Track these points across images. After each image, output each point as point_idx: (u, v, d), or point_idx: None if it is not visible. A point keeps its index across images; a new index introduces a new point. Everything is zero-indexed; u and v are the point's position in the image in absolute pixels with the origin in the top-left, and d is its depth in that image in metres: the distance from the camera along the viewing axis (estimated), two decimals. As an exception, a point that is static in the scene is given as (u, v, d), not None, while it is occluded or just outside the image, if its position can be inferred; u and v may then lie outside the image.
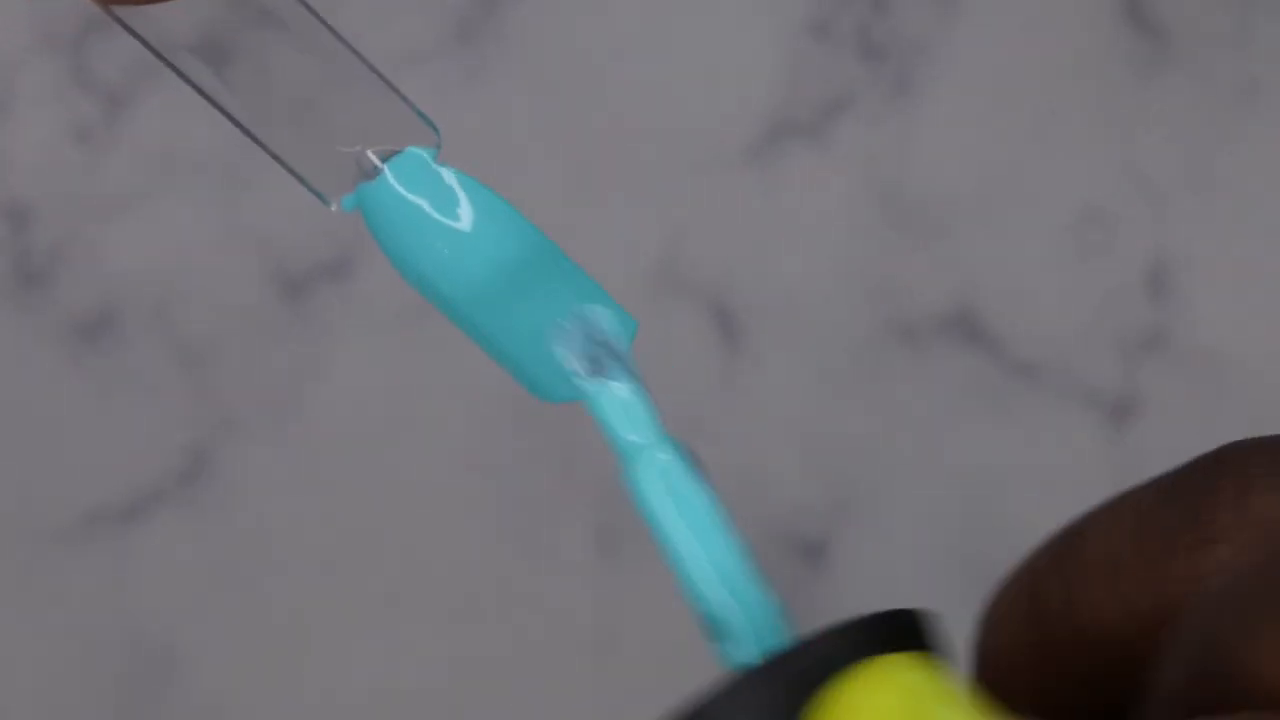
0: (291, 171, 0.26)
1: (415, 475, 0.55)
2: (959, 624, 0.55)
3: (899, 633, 0.21)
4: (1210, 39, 0.57)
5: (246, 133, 0.26)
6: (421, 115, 0.27)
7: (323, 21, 0.27)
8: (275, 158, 0.26)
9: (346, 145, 0.25)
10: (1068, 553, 0.20)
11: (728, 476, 0.55)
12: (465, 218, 0.25)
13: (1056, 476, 0.55)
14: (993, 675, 0.21)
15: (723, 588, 0.23)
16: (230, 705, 0.54)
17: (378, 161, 0.25)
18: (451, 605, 0.55)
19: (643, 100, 0.56)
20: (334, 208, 0.25)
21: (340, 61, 0.27)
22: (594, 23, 0.57)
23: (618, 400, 0.25)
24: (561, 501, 0.55)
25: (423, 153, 0.25)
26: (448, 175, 0.25)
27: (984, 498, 0.55)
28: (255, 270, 0.56)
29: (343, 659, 0.55)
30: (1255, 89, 0.56)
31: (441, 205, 0.25)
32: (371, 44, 0.56)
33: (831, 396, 0.55)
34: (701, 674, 0.56)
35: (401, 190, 0.25)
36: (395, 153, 0.25)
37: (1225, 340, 0.55)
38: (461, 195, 0.25)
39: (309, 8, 0.27)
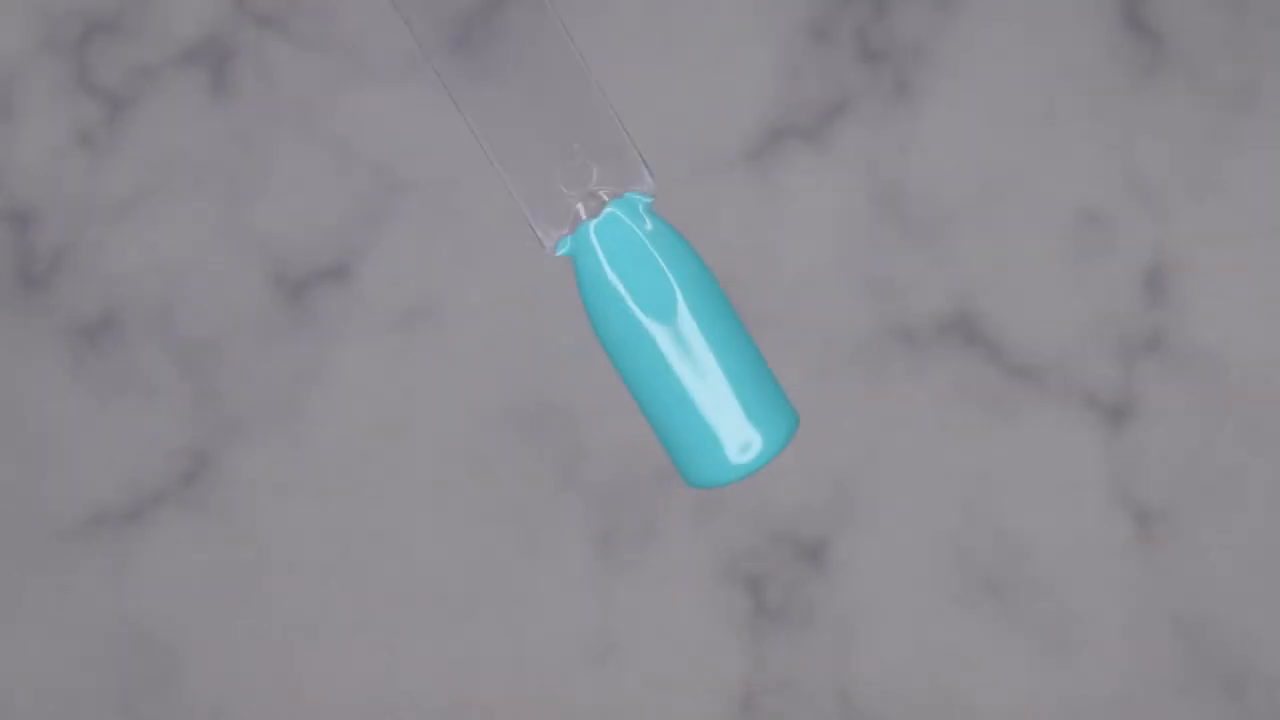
0: (516, 199, 0.26)
1: (415, 476, 0.55)
2: (956, 624, 0.55)
3: None
4: (1207, 42, 0.57)
5: (482, 147, 0.26)
6: (642, 159, 0.26)
7: (571, 45, 0.26)
8: (504, 183, 0.26)
9: (570, 177, 0.25)
10: None
11: (727, 477, 0.55)
12: (665, 274, 0.24)
13: (1055, 478, 0.55)
14: None
15: None
16: (231, 705, 0.54)
17: (596, 203, 0.25)
18: (451, 605, 0.55)
19: (642, 102, 0.56)
20: (549, 251, 0.25)
21: (576, 86, 0.27)
22: (593, 24, 0.57)
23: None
24: (561, 503, 0.55)
25: (639, 200, 0.25)
26: (657, 225, 0.25)
27: (983, 498, 0.55)
28: (256, 272, 0.56)
29: (343, 659, 0.54)
30: (1253, 91, 0.56)
31: (645, 258, 0.24)
32: (372, 44, 0.56)
33: (831, 397, 0.55)
34: (699, 674, 0.56)
35: (612, 238, 0.24)
36: (614, 196, 0.25)
37: (1223, 342, 0.55)
38: (665, 246, 0.24)
39: (564, 29, 0.27)
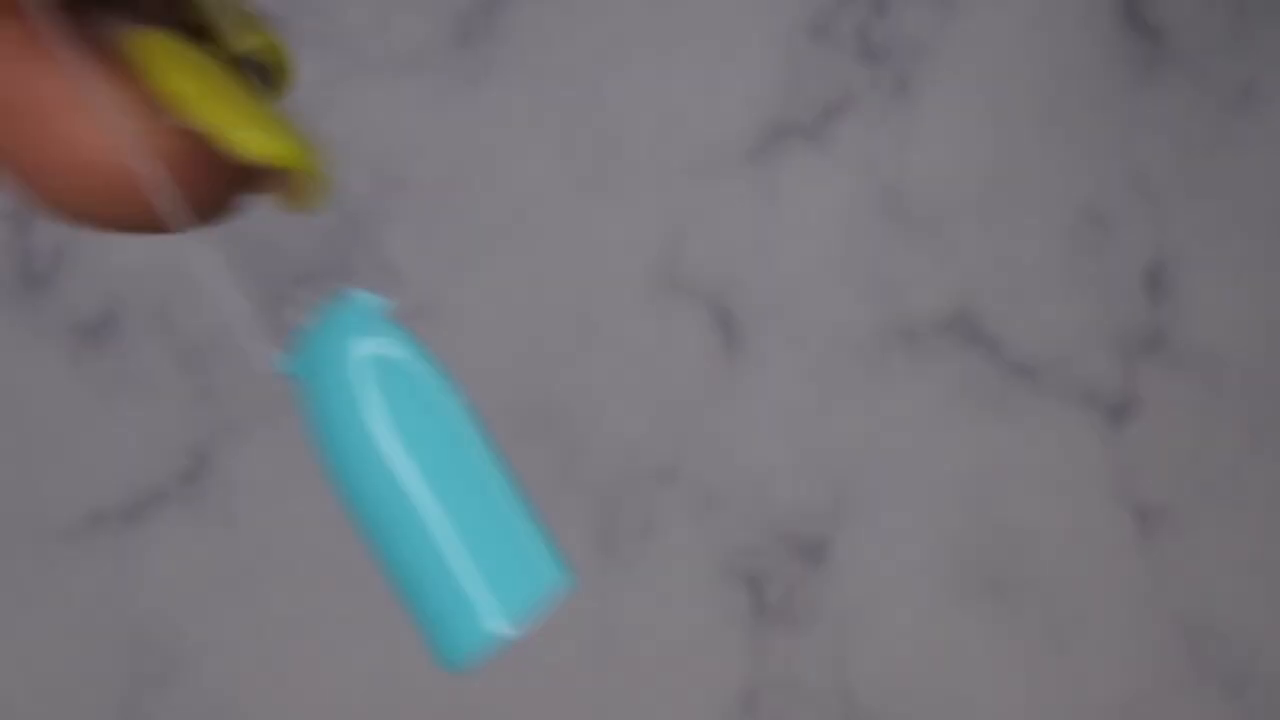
0: (227, 315, 0.24)
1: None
2: (956, 623, 0.55)
3: None
4: (1207, 42, 0.57)
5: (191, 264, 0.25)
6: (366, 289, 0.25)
7: None
8: (215, 297, 0.25)
9: (292, 289, 0.24)
10: None
11: (728, 476, 0.55)
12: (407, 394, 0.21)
13: (1055, 476, 0.55)
14: None
15: None
16: (231, 702, 0.54)
17: (320, 308, 0.22)
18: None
19: (643, 102, 0.56)
20: (267, 364, 0.22)
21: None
22: (594, 24, 0.57)
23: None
24: (561, 502, 0.55)
25: (370, 301, 0.21)
26: (392, 336, 0.21)
27: (983, 497, 0.55)
28: (256, 272, 0.56)
29: (343, 658, 0.55)
30: (1251, 91, 0.56)
31: (385, 375, 0.21)
32: (372, 45, 0.56)
33: (831, 396, 0.55)
34: (700, 674, 0.56)
35: (336, 350, 0.21)
36: (342, 301, 0.22)
37: (1222, 340, 0.56)
38: (401, 360, 0.21)
39: None
